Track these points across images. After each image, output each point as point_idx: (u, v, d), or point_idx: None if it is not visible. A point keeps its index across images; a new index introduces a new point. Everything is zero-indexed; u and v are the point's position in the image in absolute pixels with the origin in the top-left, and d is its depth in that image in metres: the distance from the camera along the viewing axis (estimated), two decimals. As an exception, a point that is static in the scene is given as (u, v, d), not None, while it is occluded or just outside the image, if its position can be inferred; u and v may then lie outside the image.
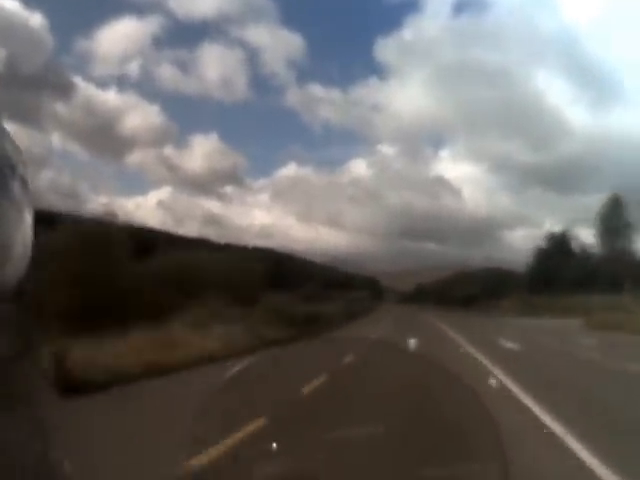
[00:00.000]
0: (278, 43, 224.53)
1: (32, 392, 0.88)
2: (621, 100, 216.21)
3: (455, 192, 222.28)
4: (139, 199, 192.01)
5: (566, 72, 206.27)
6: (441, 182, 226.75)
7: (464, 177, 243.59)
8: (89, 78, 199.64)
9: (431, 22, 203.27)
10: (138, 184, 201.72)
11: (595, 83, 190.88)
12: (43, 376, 0.98)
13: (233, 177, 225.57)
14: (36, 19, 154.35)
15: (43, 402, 0.90)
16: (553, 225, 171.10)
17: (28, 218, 0.86)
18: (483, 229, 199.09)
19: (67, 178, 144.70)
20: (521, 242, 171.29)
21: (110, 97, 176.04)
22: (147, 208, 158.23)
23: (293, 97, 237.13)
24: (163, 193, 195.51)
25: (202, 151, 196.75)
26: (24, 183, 0.86)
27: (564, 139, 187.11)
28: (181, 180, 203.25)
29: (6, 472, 0.76)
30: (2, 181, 0.79)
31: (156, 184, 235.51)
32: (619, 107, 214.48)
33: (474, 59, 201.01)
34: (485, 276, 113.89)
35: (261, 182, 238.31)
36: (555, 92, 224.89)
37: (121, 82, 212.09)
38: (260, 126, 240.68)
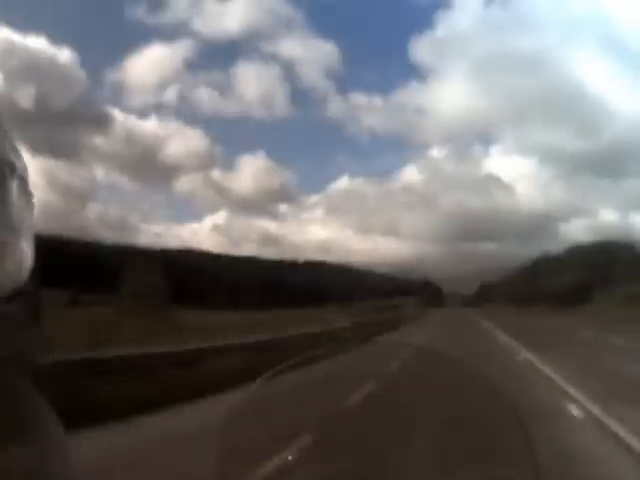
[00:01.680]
0: (312, 53, 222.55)
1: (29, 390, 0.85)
2: None
3: (508, 189, 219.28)
4: (194, 225, 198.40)
5: (603, 53, 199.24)
6: (493, 180, 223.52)
7: (515, 172, 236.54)
8: (126, 109, 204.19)
9: (462, 16, 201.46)
10: (190, 210, 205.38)
11: (633, 61, 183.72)
12: (37, 374, 0.91)
13: (285, 195, 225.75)
14: (65, 55, 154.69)
15: (38, 402, 0.86)
16: (607, 213, 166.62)
17: (28, 217, 0.86)
18: (539, 223, 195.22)
19: (115, 210, 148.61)
20: (576, 233, 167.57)
21: (150, 125, 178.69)
22: (202, 233, 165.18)
23: (335, 108, 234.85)
24: (217, 217, 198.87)
25: (250, 171, 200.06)
26: (23, 182, 0.85)
27: (610, 122, 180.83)
28: (233, 202, 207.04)
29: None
30: (1, 181, 0.79)
31: (209, 208, 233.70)
32: None
33: (510, 48, 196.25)
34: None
35: (314, 197, 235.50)
36: (595, 75, 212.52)
37: (159, 109, 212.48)
38: (306, 140, 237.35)
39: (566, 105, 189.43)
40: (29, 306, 0.95)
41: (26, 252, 0.84)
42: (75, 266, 67.87)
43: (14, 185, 0.82)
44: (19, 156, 0.86)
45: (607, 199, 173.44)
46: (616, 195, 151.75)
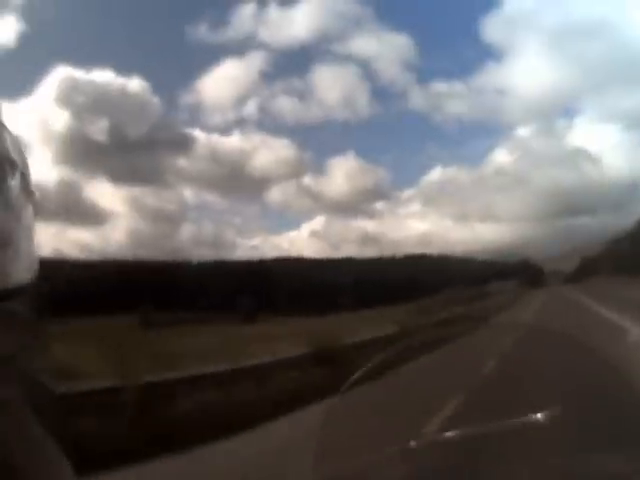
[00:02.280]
0: (386, 48, 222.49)
1: (30, 389, 0.83)
2: None
3: (596, 160, 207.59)
4: (291, 234, 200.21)
5: None
6: (581, 152, 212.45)
7: (602, 142, 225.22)
8: (206, 128, 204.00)
9: None
10: (286, 219, 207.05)
11: None
12: (41, 373, 0.89)
13: (379, 192, 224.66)
14: (134, 83, 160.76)
15: (39, 399, 0.84)
16: None
17: (30, 214, 0.86)
18: (631, 192, 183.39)
19: (209, 228, 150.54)
20: None
21: (233, 141, 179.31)
22: (301, 241, 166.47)
23: (417, 99, 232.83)
24: (314, 223, 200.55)
25: (342, 173, 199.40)
26: (25, 179, 0.86)
27: None
28: (328, 206, 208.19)
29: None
30: (2, 178, 0.79)
31: (305, 215, 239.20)
32: None
33: (578, 15, 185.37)
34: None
35: (408, 191, 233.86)
36: None
37: (240, 124, 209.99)
38: (393, 136, 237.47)
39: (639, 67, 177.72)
40: (31, 307, 0.88)
41: (29, 249, 0.85)
42: (155, 287, 67.58)
43: (15, 182, 0.82)
44: (21, 153, 0.85)
45: None
46: None
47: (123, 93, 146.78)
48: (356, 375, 1.74)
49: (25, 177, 0.87)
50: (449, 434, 1.79)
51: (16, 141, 0.86)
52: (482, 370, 7.67)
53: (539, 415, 1.69)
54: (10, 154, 0.83)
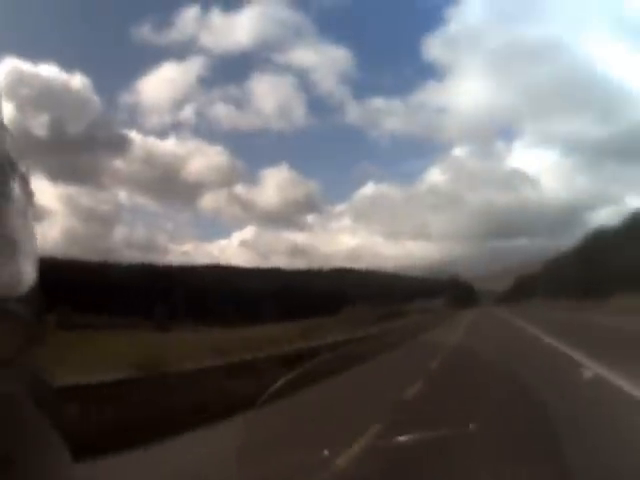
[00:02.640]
0: (325, 60, 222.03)
1: (32, 388, 0.85)
2: None
3: (533, 182, 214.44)
4: (222, 242, 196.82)
5: (616, 33, 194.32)
6: (518, 175, 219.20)
7: (539, 165, 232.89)
8: (143, 130, 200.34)
9: (472, 10, 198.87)
10: (217, 227, 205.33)
11: None
12: (43, 372, 0.92)
13: (311, 205, 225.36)
14: (77, 80, 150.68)
15: (41, 399, 0.86)
16: (634, 199, 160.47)
17: (30, 216, 0.87)
18: (567, 215, 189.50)
19: (142, 232, 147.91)
20: (607, 222, 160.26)
21: (168, 145, 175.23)
22: (231, 249, 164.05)
23: (354, 114, 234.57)
24: (245, 233, 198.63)
25: (274, 184, 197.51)
26: (25, 181, 0.86)
27: (630, 105, 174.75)
28: (259, 216, 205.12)
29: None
30: (2, 179, 0.79)
31: (236, 224, 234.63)
32: None
33: (522, 38, 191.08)
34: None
35: (340, 206, 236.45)
36: (611, 57, 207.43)
37: (176, 128, 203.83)
38: (327, 149, 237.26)
39: (584, 91, 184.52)
40: (31, 305, 0.88)
41: (30, 250, 0.85)
42: (80, 287, 66.22)
43: (15, 184, 0.84)
44: (21, 154, 0.87)
45: (633, 185, 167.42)
46: None
47: (66, 89, 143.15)
48: (272, 389, 1.69)
49: (25, 179, 0.89)
50: (374, 442, 1.91)
51: (16, 142, 0.87)
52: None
53: (467, 427, 1.76)
54: (11, 156, 0.84)
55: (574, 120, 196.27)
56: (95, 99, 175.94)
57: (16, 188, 0.84)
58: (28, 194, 0.89)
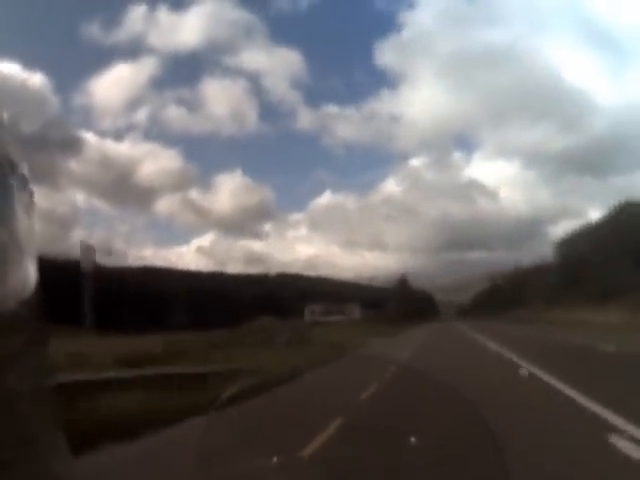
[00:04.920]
0: (277, 63, 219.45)
1: (33, 389, 0.87)
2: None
3: (491, 194, 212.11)
4: (181, 249, 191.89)
5: (576, 40, 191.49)
6: (475, 186, 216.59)
7: (499, 177, 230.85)
8: (97, 131, 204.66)
9: (426, 13, 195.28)
10: (172, 232, 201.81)
11: (610, 47, 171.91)
12: (45, 374, 0.96)
13: (266, 212, 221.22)
14: (37, 79, 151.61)
15: (43, 400, 0.89)
16: (596, 212, 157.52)
17: (29, 216, 0.87)
18: (526, 229, 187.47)
19: (100, 235, 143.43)
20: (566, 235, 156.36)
21: (122, 148, 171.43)
22: (189, 256, 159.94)
23: (306, 120, 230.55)
24: (202, 239, 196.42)
25: (228, 190, 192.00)
26: (24, 182, 0.87)
27: (589, 115, 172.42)
28: (214, 223, 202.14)
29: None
30: (2, 179, 0.79)
31: (192, 230, 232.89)
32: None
33: (479, 44, 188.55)
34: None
35: (297, 215, 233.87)
36: (573, 65, 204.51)
37: (130, 130, 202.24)
38: (280, 156, 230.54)
39: (545, 100, 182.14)
40: (30, 306, 0.90)
41: (28, 251, 0.85)
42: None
43: (15, 183, 0.84)
44: (21, 156, 0.88)
45: (594, 198, 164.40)
46: (603, 193, 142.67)
47: (24, 87, 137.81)
48: (225, 395, 2.04)
49: (25, 179, 0.88)
50: (322, 451, 2.27)
51: (16, 143, 0.86)
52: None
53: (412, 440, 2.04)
54: (10, 156, 0.83)
55: (535, 130, 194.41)
56: (53, 99, 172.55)
57: (16, 188, 0.84)
58: (28, 194, 0.89)
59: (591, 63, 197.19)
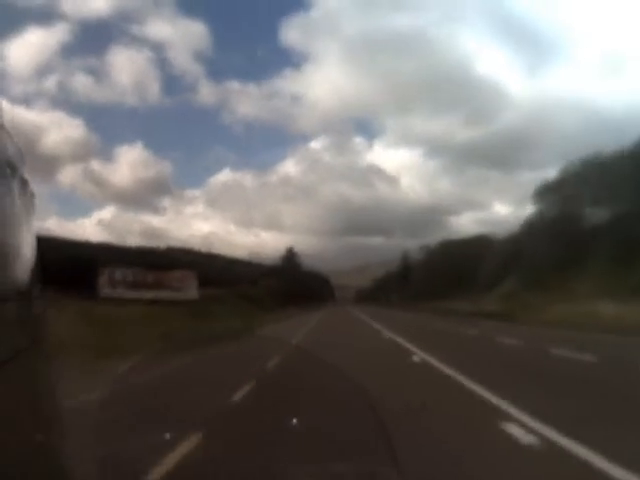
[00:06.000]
0: (182, 35, 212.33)
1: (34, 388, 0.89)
2: (557, 57, 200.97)
3: (393, 181, 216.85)
4: (84, 220, 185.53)
5: (492, 32, 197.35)
6: (376, 172, 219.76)
7: (400, 164, 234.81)
8: (6, 96, 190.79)
9: None
10: (74, 204, 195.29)
11: (527, 42, 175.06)
12: (44, 372, 0.97)
13: (164, 187, 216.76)
14: None
15: (44, 400, 0.92)
16: (501, 207, 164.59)
17: (29, 218, 0.87)
18: (428, 217, 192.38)
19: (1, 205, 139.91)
20: (470, 227, 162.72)
21: (31, 115, 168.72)
22: (89, 228, 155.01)
23: (207, 95, 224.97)
24: (104, 213, 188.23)
25: (128, 162, 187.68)
26: (24, 183, 0.88)
27: (500, 108, 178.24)
28: (116, 197, 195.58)
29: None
30: (3, 181, 0.79)
31: (93, 203, 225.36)
32: (556, 66, 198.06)
33: (387, 28, 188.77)
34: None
35: (194, 190, 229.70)
36: (483, 55, 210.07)
37: (39, 97, 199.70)
38: (180, 130, 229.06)
39: (453, 89, 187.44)
40: (30, 307, 0.92)
41: (27, 252, 0.86)
42: None
43: (15, 185, 0.85)
44: (21, 157, 0.90)
45: (501, 192, 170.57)
46: (509, 187, 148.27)
47: None
48: None
49: (25, 181, 0.89)
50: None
51: (16, 145, 0.88)
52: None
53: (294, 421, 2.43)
54: (11, 158, 0.84)
55: (440, 120, 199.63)
56: None
57: (16, 189, 0.84)
58: (28, 195, 0.89)
59: (505, 56, 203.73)
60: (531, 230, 56.73)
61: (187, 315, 32.44)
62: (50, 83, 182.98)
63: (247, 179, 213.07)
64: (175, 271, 45.30)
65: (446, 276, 78.76)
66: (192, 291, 42.90)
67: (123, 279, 41.89)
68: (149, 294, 39.43)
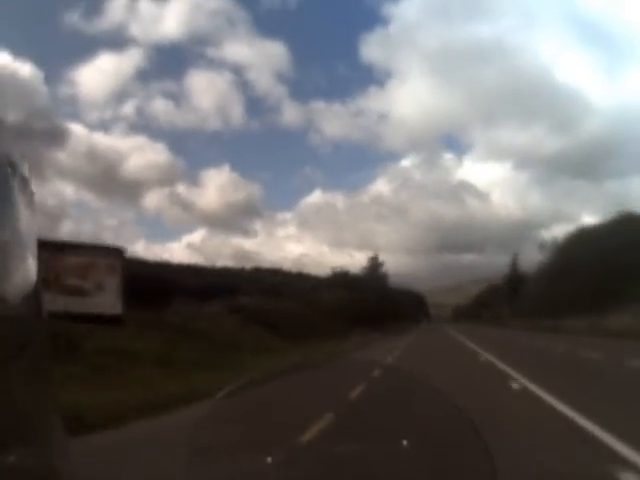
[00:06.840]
0: (260, 54, 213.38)
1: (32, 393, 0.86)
2: (637, 61, 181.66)
3: (483, 196, 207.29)
4: (172, 244, 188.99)
5: (569, 36, 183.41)
6: (467, 188, 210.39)
7: (490, 179, 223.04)
8: (83, 122, 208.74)
9: (412, 5, 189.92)
10: (160, 227, 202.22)
11: (605, 45, 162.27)
12: (43, 371, 0.91)
13: (254, 210, 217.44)
14: (26, 69, 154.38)
15: (43, 403, 0.88)
16: (590, 217, 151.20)
17: (29, 218, 0.86)
18: (519, 232, 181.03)
19: (89, 228, 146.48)
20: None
21: (109, 140, 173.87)
22: (178, 252, 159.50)
23: (292, 116, 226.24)
24: (192, 236, 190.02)
25: (216, 186, 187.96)
26: (25, 182, 0.87)
27: (584, 115, 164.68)
28: (205, 220, 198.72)
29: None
30: (3, 180, 0.80)
31: (182, 226, 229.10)
32: (636, 70, 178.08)
33: (466, 35, 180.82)
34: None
35: (285, 212, 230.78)
36: (561, 61, 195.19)
37: (116, 122, 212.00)
38: (267, 151, 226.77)
39: (538, 99, 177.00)
40: (31, 308, 0.91)
41: (28, 252, 0.86)
42: None
43: (16, 185, 0.84)
44: (21, 155, 0.88)
45: (588, 202, 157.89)
46: (597, 197, 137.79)
47: (13, 77, 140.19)
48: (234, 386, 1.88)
49: (25, 180, 0.88)
50: (313, 448, 2.02)
51: (17, 144, 0.88)
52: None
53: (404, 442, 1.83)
54: (11, 157, 0.84)
55: (527, 131, 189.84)
56: (43, 90, 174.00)
57: (16, 189, 0.84)
58: (29, 195, 0.89)
59: (584, 61, 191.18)
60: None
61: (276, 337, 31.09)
62: (128, 108, 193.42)
63: (338, 199, 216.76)
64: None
65: (584, 280, 57.24)
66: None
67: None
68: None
